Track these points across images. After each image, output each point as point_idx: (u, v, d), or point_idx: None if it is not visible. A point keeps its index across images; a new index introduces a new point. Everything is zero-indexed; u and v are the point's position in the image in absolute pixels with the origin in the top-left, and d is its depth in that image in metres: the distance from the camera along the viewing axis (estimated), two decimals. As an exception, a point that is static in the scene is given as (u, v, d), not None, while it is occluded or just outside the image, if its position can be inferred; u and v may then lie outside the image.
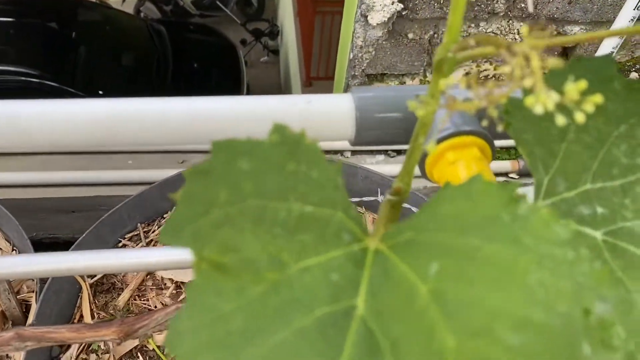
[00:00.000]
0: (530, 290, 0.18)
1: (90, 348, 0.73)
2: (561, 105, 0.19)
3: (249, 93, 2.65)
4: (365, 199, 0.90)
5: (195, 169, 0.20)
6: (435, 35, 1.04)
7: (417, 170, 0.30)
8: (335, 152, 1.15)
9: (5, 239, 0.94)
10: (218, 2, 3.23)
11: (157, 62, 2.40)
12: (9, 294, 0.77)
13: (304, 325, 0.19)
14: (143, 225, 0.90)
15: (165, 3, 3.37)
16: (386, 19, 0.98)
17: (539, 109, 0.19)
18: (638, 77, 1.12)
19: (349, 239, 0.21)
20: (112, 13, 2.55)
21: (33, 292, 0.85)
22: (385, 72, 1.10)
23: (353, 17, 0.99)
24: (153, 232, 0.91)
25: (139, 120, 0.34)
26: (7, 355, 0.78)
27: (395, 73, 1.10)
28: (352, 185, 0.93)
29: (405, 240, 0.21)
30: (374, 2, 0.95)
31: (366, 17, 0.98)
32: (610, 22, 0.98)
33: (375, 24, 0.98)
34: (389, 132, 0.38)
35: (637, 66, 1.12)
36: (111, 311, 0.79)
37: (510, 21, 1.02)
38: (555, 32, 1.07)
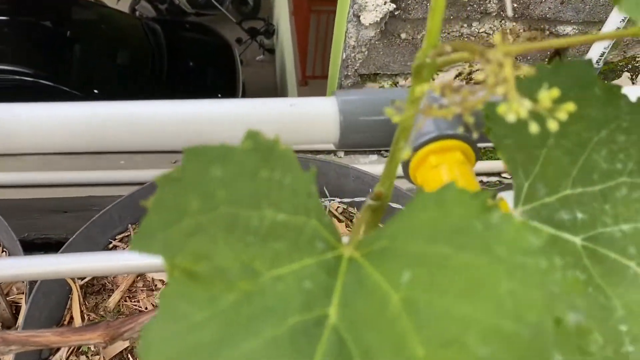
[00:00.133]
0: (500, 300, 0.18)
1: (80, 350, 0.73)
2: (539, 112, 0.19)
3: (244, 92, 2.64)
4: (357, 199, 0.90)
5: (167, 176, 0.20)
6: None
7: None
8: (328, 152, 1.14)
9: (-4, 240, 0.94)
10: (213, 1, 3.22)
11: (152, 60, 2.39)
12: (-1, 295, 0.77)
13: (276, 335, 0.19)
14: (134, 226, 0.90)
15: (161, 2, 3.36)
16: (379, 19, 0.97)
17: (511, 117, 0.19)
18: (630, 77, 1.12)
19: (322, 247, 0.21)
20: (107, 12, 2.55)
21: (23, 293, 0.85)
22: (378, 72, 1.09)
23: (345, 17, 0.99)
24: (145, 232, 0.90)
25: (109, 124, 0.33)
26: (-4, 357, 0.77)
27: (388, 73, 1.10)
28: (343, 185, 0.93)
29: (379, 248, 0.21)
30: (366, 2, 0.94)
31: (359, 17, 0.98)
32: (602, 22, 0.98)
33: (367, 24, 0.98)
34: (373, 135, 0.38)
35: (629, 66, 1.12)
36: (101, 313, 0.79)
37: (503, 21, 1.02)
38: (547, 32, 1.07)
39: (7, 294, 0.87)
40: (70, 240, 0.77)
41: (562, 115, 0.19)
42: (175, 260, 0.20)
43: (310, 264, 0.20)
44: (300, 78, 2.47)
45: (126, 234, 0.89)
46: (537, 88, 0.19)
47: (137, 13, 3.27)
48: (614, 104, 0.28)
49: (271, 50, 3.31)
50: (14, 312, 0.86)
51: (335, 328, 0.19)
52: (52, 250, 1.13)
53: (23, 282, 0.86)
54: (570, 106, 0.19)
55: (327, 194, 0.95)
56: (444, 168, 0.33)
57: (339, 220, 0.95)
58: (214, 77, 2.58)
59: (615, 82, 1.13)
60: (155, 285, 0.84)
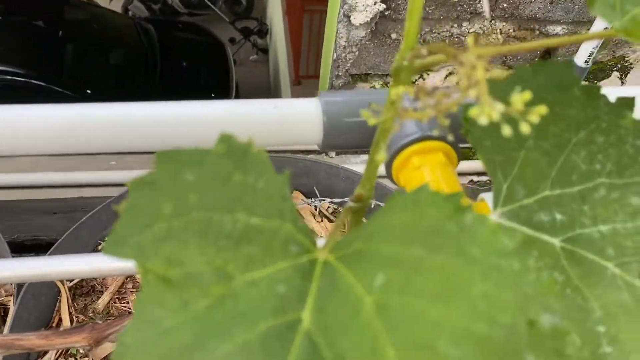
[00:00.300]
0: (473, 303, 0.18)
1: (69, 352, 0.73)
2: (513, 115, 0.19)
3: (237, 92, 2.64)
4: (347, 199, 0.90)
5: (139, 180, 0.20)
6: (418, 36, 1.04)
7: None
8: (319, 152, 1.14)
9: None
10: (206, 1, 3.22)
11: (145, 60, 2.38)
12: (-13, 297, 0.76)
13: (248, 340, 0.19)
14: (124, 227, 0.88)
15: (154, 1, 3.35)
16: (369, 19, 0.97)
17: (483, 120, 0.19)
18: (620, 76, 1.13)
19: (297, 251, 0.21)
20: (100, 11, 2.54)
21: (11, 295, 0.84)
22: (369, 72, 1.09)
23: (336, 17, 0.99)
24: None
25: (95, 125, 0.33)
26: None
27: (379, 73, 1.10)
28: (334, 185, 0.92)
29: (353, 251, 0.21)
30: (356, 3, 0.94)
31: (349, 17, 0.98)
32: (591, 22, 0.98)
33: (358, 24, 0.98)
34: (358, 136, 0.38)
35: (619, 66, 1.12)
36: (90, 314, 0.78)
37: (493, 21, 1.02)
38: (537, 32, 1.07)
39: (-4, 296, 0.87)
40: (58, 241, 0.77)
41: (535, 118, 0.19)
42: (148, 265, 0.20)
43: (284, 267, 0.20)
44: (293, 78, 2.47)
45: (116, 236, 0.88)
46: (516, 89, 0.19)
47: (130, 13, 3.25)
48: (593, 105, 0.28)
49: (264, 50, 3.31)
50: (2, 314, 0.85)
51: (308, 332, 0.19)
52: (43, 251, 1.12)
53: (11, 284, 0.85)
54: (543, 109, 0.19)
55: (318, 194, 0.95)
56: (426, 169, 0.33)
57: (330, 221, 0.95)
58: (207, 77, 2.58)
59: (605, 81, 1.14)
60: (145, 286, 0.83)
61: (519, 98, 0.19)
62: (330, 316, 0.19)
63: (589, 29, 1.00)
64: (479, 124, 0.28)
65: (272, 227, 0.21)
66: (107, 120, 0.34)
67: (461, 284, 0.19)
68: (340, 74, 1.08)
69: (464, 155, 0.37)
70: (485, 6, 0.90)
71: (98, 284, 0.82)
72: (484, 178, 1.22)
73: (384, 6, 0.96)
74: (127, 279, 0.82)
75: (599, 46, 0.85)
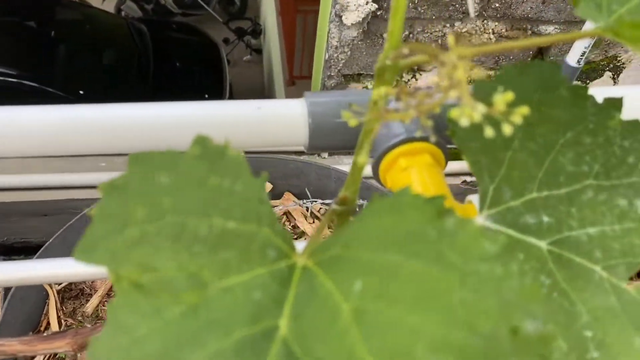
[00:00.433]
0: (451, 310, 0.17)
1: (57, 356, 0.72)
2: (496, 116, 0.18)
3: (231, 92, 2.63)
4: (339, 201, 0.89)
5: (111, 183, 0.19)
6: (411, 36, 1.04)
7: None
8: (312, 153, 1.14)
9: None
10: (200, 1, 3.20)
11: (138, 61, 2.37)
12: (-25, 301, 0.75)
13: (222, 348, 0.18)
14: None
15: (147, 2, 3.33)
16: (361, 19, 0.97)
17: (464, 122, 0.18)
18: (612, 76, 1.13)
19: (274, 256, 0.20)
20: (93, 12, 2.52)
21: (-2, 299, 0.83)
22: (362, 72, 1.09)
23: (328, 17, 0.99)
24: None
25: (75, 127, 0.33)
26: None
27: (372, 73, 1.09)
28: (325, 186, 0.92)
29: (333, 256, 0.20)
30: (348, 2, 0.94)
31: (341, 17, 0.97)
32: (583, 21, 0.98)
33: (350, 24, 0.98)
34: (344, 137, 0.38)
35: (611, 65, 1.12)
36: (79, 318, 0.77)
37: (485, 21, 1.02)
38: (530, 32, 1.07)
39: (-16, 300, 0.85)
40: (46, 244, 0.76)
41: (517, 118, 0.19)
42: (120, 271, 0.19)
43: (261, 273, 0.20)
44: (287, 78, 2.46)
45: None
46: (499, 90, 0.19)
47: (123, 13, 3.24)
48: (580, 106, 0.27)
49: (258, 51, 3.29)
50: (-9, 318, 0.84)
51: (285, 340, 0.19)
52: (32, 253, 1.11)
53: (-2, 287, 0.84)
54: (525, 109, 0.18)
55: (309, 195, 0.95)
56: (413, 171, 0.33)
57: (322, 222, 0.94)
58: (201, 77, 2.56)
59: (597, 81, 1.14)
60: (135, 289, 0.82)
61: (501, 98, 0.18)
62: (308, 323, 0.19)
63: (581, 29, 1.00)
64: (462, 125, 0.28)
65: (249, 232, 0.20)
66: (99, 122, 0.34)
67: (439, 290, 0.18)
68: (332, 74, 1.07)
69: (455, 155, 0.36)
70: (470, 5, 0.90)
71: (87, 287, 0.81)
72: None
73: (376, 6, 0.95)
74: (116, 281, 0.81)
75: (590, 46, 0.85)
